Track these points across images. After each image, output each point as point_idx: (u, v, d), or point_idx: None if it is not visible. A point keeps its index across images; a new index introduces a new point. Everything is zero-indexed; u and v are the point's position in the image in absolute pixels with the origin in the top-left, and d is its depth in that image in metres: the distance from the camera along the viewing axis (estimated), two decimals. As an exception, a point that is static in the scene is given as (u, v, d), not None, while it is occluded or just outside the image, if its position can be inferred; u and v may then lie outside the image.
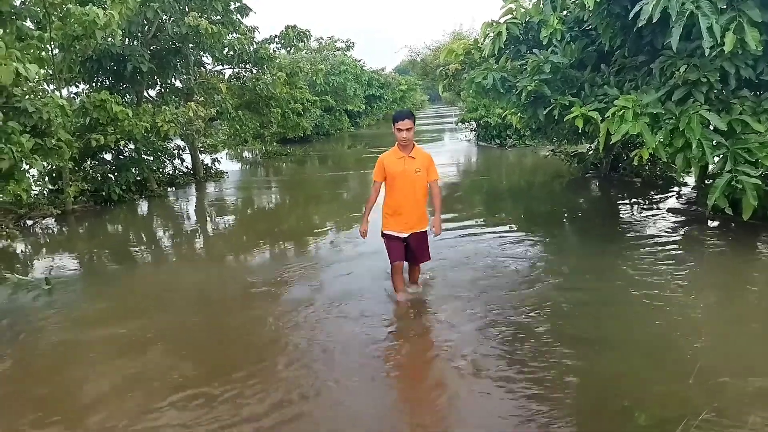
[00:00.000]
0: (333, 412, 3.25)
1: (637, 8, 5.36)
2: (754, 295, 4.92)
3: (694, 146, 5.32)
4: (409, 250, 4.83)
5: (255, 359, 4.00)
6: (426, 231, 4.80)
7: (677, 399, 3.12)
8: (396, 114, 4.58)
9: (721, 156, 5.47)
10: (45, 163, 7.78)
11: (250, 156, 21.95)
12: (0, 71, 6.51)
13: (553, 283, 5.21)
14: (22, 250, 8.17)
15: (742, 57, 5.31)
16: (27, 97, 7.90)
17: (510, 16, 8.33)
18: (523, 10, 8.24)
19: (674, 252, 6.09)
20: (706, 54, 5.10)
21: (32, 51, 8.18)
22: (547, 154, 13.41)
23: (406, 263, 4.93)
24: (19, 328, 4.87)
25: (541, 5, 7.31)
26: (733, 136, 5.49)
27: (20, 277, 6.22)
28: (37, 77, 7.06)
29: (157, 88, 13.93)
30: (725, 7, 4.87)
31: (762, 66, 5.53)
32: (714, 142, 5.47)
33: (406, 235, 4.72)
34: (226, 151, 18.00)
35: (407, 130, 4.46)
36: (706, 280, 5.35)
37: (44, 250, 8.34)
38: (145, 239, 9.02)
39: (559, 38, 7.54)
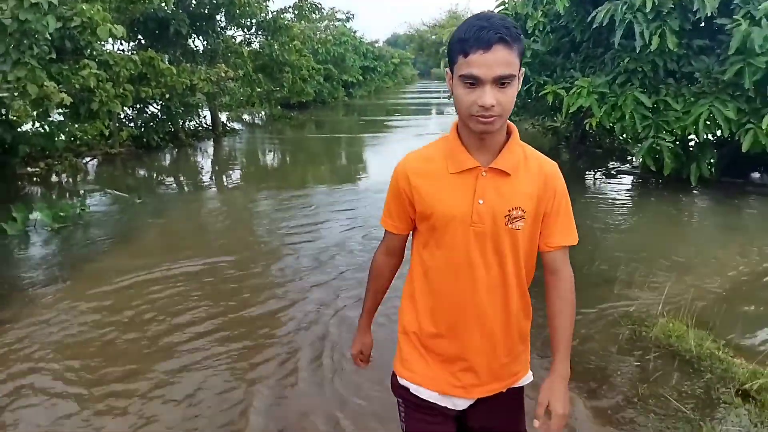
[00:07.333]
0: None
1: (594, 14, 7.30)
2: (669, 225, 7.04)
3: (627, 117, 7.35)
4: None
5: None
6: (522, 388, 1.67)
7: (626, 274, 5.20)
8: (464, 28, 1.26)
9: (647, 125, 7.50)
10: (121, 107, 9.46)
11: (249, 118, 23.40)
12: (100, 30, 8.24)
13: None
14: (90, 179, 9.95)
15: (668, 54, 7.30)
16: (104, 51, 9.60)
17: (502, 7, 10.24)
18: (513, 3, 10.16)
19: (618, 198, 8.21)
20: (638, 50, 7.08)
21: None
22: (528, 127, 15.41)
23: None
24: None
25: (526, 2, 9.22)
26: (657, 112, 7.52)
27: (117, 192, 8.05)
28: (122, 35, 8.72)
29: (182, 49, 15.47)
30: (653, 17, 6.81)
31: (683, 62, 7.53)
32: (643, 116, 7.49)
33: (463, 406, 1.56)
34: (228, 112, 19.48)
35: (497, 83, 1.28)
36: (638, 216, 7.48)
37: (114, 179, 10.11)
38: (197, 174, 10.87)
39: (541, 29, 9.47)
